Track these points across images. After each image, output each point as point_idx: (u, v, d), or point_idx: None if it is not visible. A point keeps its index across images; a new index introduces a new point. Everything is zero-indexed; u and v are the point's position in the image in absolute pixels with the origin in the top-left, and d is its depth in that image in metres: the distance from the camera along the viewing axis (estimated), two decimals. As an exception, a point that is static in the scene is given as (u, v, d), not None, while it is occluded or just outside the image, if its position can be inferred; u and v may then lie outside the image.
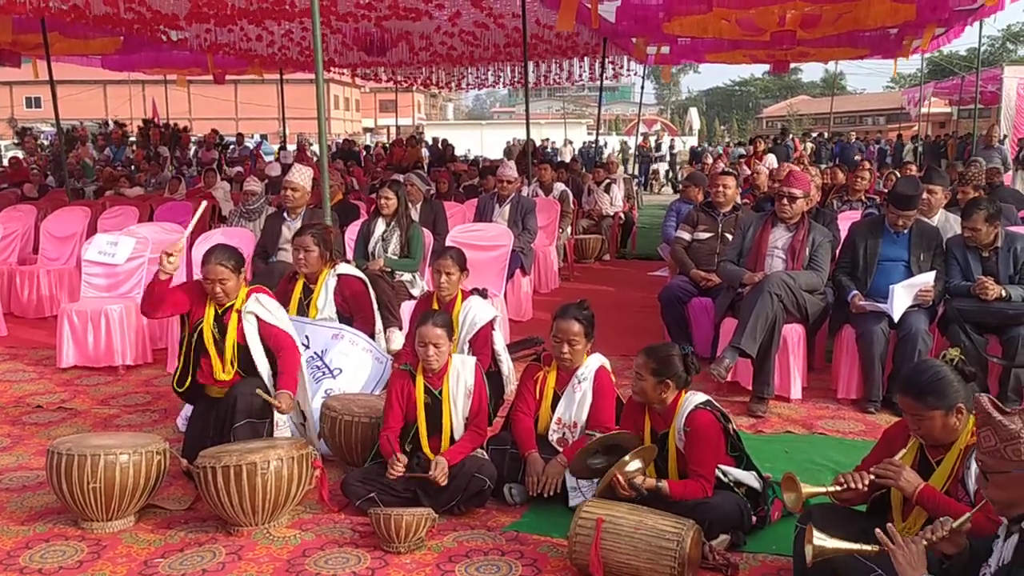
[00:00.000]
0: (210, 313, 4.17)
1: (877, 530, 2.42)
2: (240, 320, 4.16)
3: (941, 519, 2.41)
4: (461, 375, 3.95)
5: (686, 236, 6.63)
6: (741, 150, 25.90)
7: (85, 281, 6.63)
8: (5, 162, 17.49)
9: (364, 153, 22.70)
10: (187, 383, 4.18)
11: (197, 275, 6.38)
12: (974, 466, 2.72)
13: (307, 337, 4.77)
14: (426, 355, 3.87)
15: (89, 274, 6.63)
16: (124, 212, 8.70)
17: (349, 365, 4.78)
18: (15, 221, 8.66)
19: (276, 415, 4.14)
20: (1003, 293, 5.03)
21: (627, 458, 3.41)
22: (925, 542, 2.36)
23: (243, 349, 4.17)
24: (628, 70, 18.19)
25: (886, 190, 8.92)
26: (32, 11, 9.71)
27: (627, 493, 3.38)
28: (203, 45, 13.91)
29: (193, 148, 20.83)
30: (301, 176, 6.53)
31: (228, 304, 4.19)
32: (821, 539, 2.54)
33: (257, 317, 4.18)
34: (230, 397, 4.06)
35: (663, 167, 25.56)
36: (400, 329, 5.78)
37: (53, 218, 8.45)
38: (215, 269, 4.10)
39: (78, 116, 32.16)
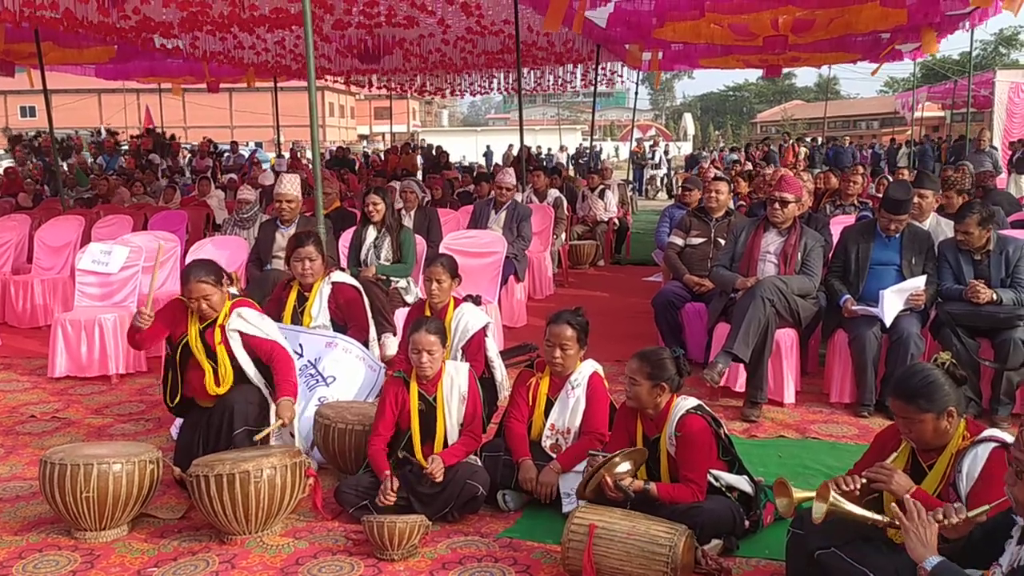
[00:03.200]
0: (194, 330, 4.16)
1: (893, 504, 2.43)
2: (224, 336, 4.15)
3: (955, 504, 2.43)
4: (455, 381, 3.96)
5: (679, 242, 6.65)
6: (734, 156, 25.97)
7: (79, 290, 6.63)
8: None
9: (361, 161, 22.75)
10: (177, 398, 4.18)
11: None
12: (966, 469, 2.74)
13: (300, 345, 4.77)
14: (420, 362, 3.88)
15: (83, 283, 6.62)
16: (118, 221, 8.69)
17: (342, 373, 4.78)
18: (9, 231, 8.66)
19: (272, 419, 4.14)
20: (995, 297, 5.04)
21: (616, 459, 3.42)
22: (936, 524, 2.38)
23: (233, 362, 4.17)
24: (622, 76, 18.25)
25: (879, 194, 8.96)
26: (25, 20, 9.71)
27: (614, 495, 3.38)
28: (197, 54, 13.92)
29: (187, 156, 20.84)
30: (291, 186, 6.53)
31: (210, 320, 4.16)
32: (837, 499, 2.59)
33: (240, 333, 4.18)
34: (225, 406, 4.06)
35: (660, 173, 25.63)
36: (395, 335, 5.78)
37: (47, 227, 8.45)
38: (197, 287, 4.08)
39: (73, 125, 32.15)
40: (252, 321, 4.22)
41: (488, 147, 36.68)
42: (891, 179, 9.96)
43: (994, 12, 10.33)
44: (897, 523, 2.40)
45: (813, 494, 2.92)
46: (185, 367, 4.17)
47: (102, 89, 38.76)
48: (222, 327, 4.16)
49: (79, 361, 6.20)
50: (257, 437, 3.94)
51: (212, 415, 4.07)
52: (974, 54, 16.94)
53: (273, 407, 4.18)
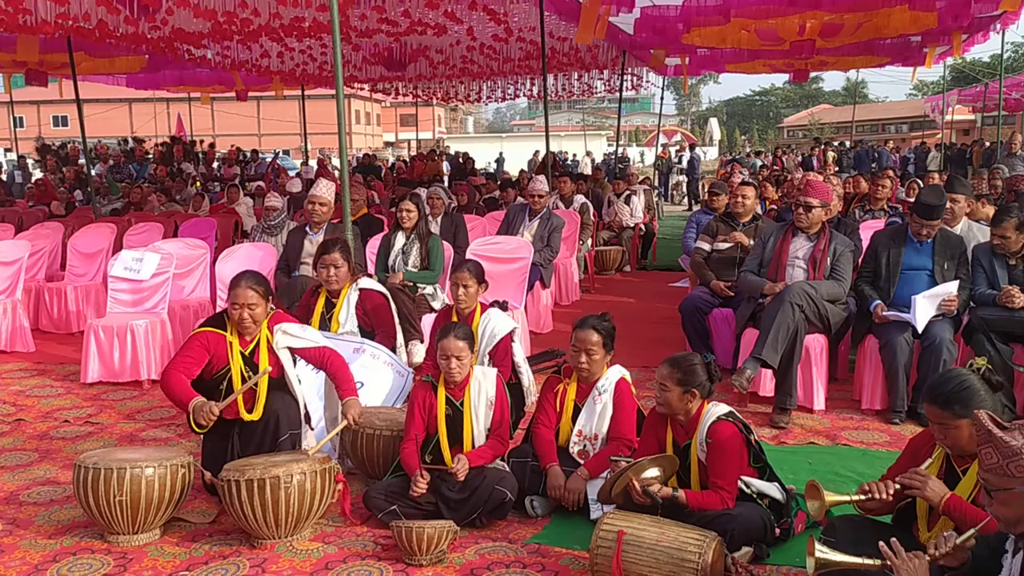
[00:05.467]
0: (237, 359, 4.07)
1: (880, 543, 2.43)
2: (273, 357, 4.12)
3: (945, 534, 2.43)
4: (482, 386, 3.96)
5: (706, 247, 6.62)
6: (758, 160, 25.80)
7: (111, 297, 6.72)
8: (33, 180, 17.71)
9: (387, 168, 22.88)
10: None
11: (220, 290, 6.48)
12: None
13: (329, 351, 4.79)
14: (448, 367, 3.89)
15: (115, 290, 6.71)
16: (149, 228, 8.81)
17: (370, 378, 4.80)
18: (43, 238, 8.80)
19: (311, 423, 4.22)
20: (1029, 302, 4.96)
21: (645, 463, 3.40)
22: (928, 557, 2.38)
23: (277, 381, 4.14)
24: (647, 81, 18.21)
25: (908, 199, 8.87)
26: (58, 31, 9.88)
27: (642, 500, 3.37)
28: (225, 63, 14.08)
29: (216, 164, 21.05)
30: (327, 191, 6.59)
31: (254, 343, 4.12)
32: (823, 551, 2.58)
33: (291, 349, 4.17)
34: (269, 412, 4.04)
35: (685, 179, 25.51)
36: (421, 342, 5.80)
37: (80, 235, 8.57)
38: (245, 292, 4.02)
39: (104, 134, 32.62)
40: (296, 333, 4.19)
41: (500, 154, 36.67)
42: (921, 183, 9.86)
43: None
44: (889, 563, 2.40)
45: (846, 498, 2.89)
46: (228, 395, 4.08)
47: (132, 99, 39.30)
48: (270, 349, 4.12)
49: (111, 367, 6.28)
50: (321, 444, 3.95)
51: (251, 422, 4.05)
52: (1005, 56, 16.73)
53: (301, 406, 4.19)
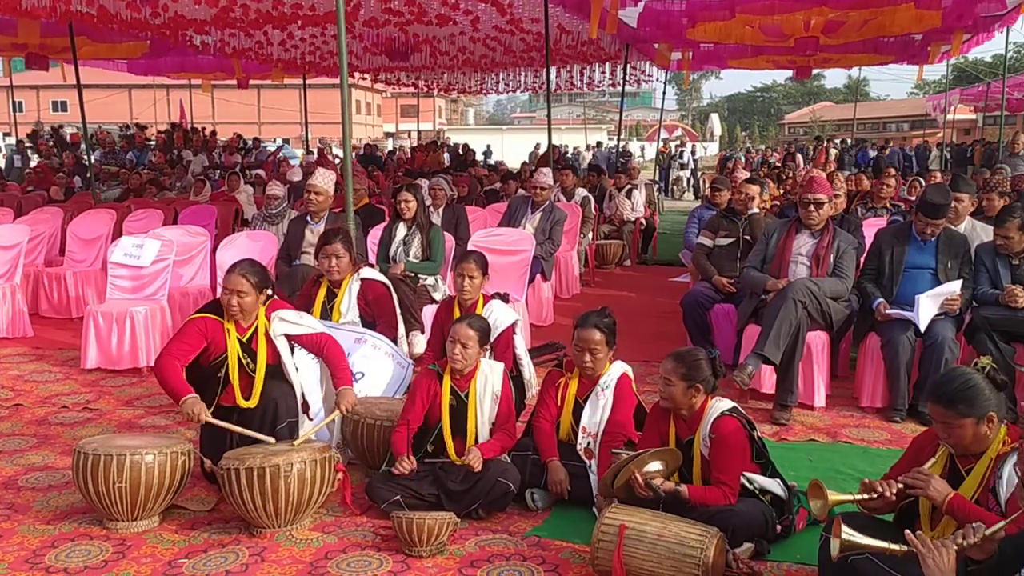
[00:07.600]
0: (235, 345, 4.05)
1: (907, 531, 2.40)
2: (271, 344, 4.10)
3: (974, 525, 2.39)
4: (489, 380, 3.96)
5: (707, 242, 6.61)
6: (740, 155, 25.76)
7: (111, 283, 6.69)
8: (31, 166, 17.63)
9: (387, 157, 22.81)
10: (211, 409, 4.04)
11: (220, 278, 6.45)
12: (1006, 475, 2.69)
13: (330, 340, 4.77)
14: (452, 351, 3.87)
15: (115, 276, 6.68)
16: (149, 215, 8.78)
17: (371, 369, 4.79)
18: (42, 223, 8.76)
19: (314, 414, 4.20)
20: (1032, 301, 4.96)
21: (647, 457, 3.39)
22: (956, 547, 2.34)
23: (274, 369, 4.13)
24: (649, 75, 18.17)
25: (911, 197, 8.87)
26: (60, 15, 9.83)
27: (644, 493, 3.36)
28: (227, 50, 14.02)
29: (216, 152, 20.96)
30: (324, 180, 6.55)
31: (251, 330, 4.10)
32: (850, 534, 2.55)
33: (288, 336, 4.15)
34: (267, 400, 4.03)
35: (686, 174, 25.50)
36: (422, 333, 5.79)
37: (79, 220, 8.54)
38: (235, 279, 4.00)
39: (103, 120, 32.47)
40: (294, 320, 4.17)
41: (488, 146, 36.56)
42: (923, 182, 9.85)
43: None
44: (915, 550, 2.37)
45: (850, 497, 2.88)
46: (226, 382, 4.08)
47: (132, 84, 39.14)
48: (267, 336, 4.10)
49: (110, 353, 6.26)
50: (311, 431, 3.92)
51: (249, 410, 4.04)
52: (1008, 56, 16.72)
53: (299, 395, 4.18)
